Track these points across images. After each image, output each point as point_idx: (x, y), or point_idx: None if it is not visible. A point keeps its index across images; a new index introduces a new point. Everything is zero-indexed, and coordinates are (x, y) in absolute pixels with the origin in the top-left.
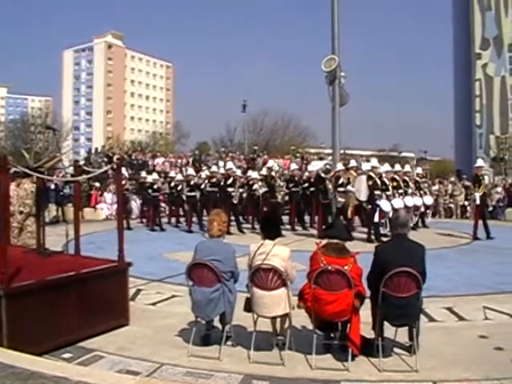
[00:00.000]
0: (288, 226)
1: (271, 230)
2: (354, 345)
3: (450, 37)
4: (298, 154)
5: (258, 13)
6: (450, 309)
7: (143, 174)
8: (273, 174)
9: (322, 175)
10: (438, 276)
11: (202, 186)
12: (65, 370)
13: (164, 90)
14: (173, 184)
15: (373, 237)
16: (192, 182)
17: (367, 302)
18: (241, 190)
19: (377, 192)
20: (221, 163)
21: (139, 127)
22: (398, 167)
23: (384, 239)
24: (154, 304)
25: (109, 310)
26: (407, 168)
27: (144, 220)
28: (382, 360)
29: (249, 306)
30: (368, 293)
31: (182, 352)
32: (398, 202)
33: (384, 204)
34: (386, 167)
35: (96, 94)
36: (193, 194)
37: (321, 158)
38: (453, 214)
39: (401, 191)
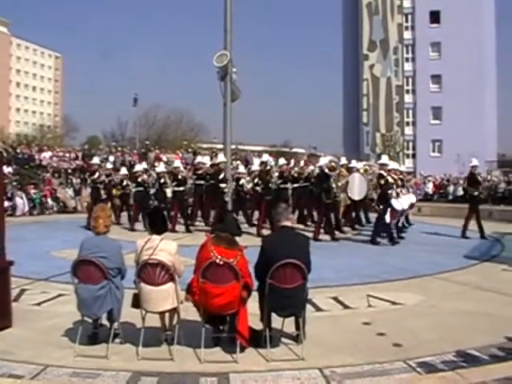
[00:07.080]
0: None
1: (158, 225)
2: (243, 337)
3: (340, 37)
4: (190, 149)
5: (149, 4)
6: (335, 298)
7: (108, 164)
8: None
9: (326, 171)
10: (325, 267)
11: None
12: None
13: (52, 81)
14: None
15: (379, 239)
16: (180, 176)
17: (255, 293)
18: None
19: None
20: (111, 158)
21: (25, 119)
22: (392, 165)
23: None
24: (38, 304)
25: None
26: (395, 165)
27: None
28: (270, 350)
29: (137, 302)
30: (255, 285)
31: (68, 352)
32: (404, 202)
33: (396, 203)
34: (282, 161)
35: None
36: (181, 188)
37: (213, 153)
38: None
39: (399, 190)
